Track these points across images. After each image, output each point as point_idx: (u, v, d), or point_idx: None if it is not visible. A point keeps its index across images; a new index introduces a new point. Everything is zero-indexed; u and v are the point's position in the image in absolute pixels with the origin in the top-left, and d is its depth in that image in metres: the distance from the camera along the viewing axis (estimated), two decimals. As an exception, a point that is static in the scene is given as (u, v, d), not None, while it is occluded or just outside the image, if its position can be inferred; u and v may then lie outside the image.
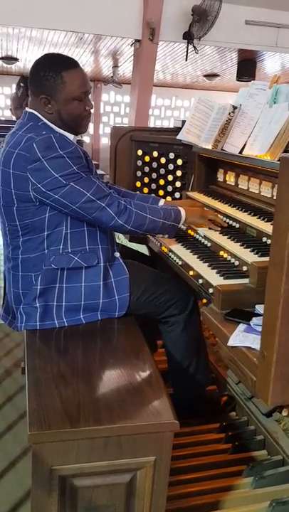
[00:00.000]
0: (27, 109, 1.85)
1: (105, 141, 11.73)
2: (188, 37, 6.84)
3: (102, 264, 1.85)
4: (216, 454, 1.93)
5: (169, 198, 2.64)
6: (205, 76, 10.32)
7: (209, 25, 6.65)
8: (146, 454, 1.32)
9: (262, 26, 7.25)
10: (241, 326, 1.46)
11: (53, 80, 1.77)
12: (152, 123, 11.75)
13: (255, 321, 1.44)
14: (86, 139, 11.32)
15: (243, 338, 1.39)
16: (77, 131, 1.88)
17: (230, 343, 1.39)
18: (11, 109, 3.98)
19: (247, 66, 8.73)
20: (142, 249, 2.57)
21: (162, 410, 1.36)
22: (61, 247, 1.81)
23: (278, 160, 1.94)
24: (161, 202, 2.23)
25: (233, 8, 6.78)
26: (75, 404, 1.36)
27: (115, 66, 9.33)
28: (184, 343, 1.97)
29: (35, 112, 1.82)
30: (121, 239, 2.05)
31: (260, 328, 1.31)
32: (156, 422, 1.32)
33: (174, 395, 1.94)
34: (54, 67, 1.77)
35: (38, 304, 1.82)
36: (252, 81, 2.43)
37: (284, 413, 1.87)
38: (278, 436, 1.91)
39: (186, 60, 7.25)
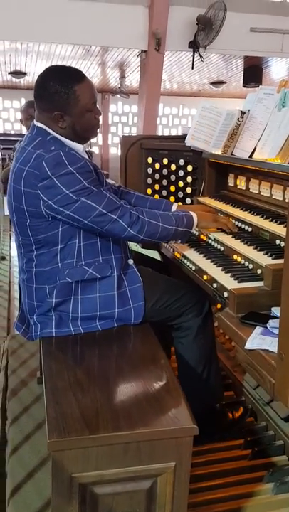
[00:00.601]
0: (35, 122, 1.84)
1: (114, 151, 11.82)
2: (194, 46, 6.89)
3: (115, 274, 1.85)
4: (236, 460, 1.92)
5: (180, 204, 2.64)
6: (211, 84, 10.37)
7: (214, 34, 6.69)
8: (166, 460, 1.31)
9: (267, 33, 7.28)
10: (258, 329, 1.45)
11: (66, 96, 1.76)
12: (160, 132, 11.82)
13: (271, 323, 1.43)
14: (95, 149, 11.41)
15: (260, 340, 1.38)
16: (88, 138, 1.92)
17: (248, 346, 1.38)
18: (21, 120, 4.05)
19: (253, 72, 8.76)
20: (154, 255, 2.57)
21: (180, 415, 1.35)
22: (75, 260, 1.81)
23: (289, 162, 1.94)
24: (174, 206, 2.23)
25: (238, 15, 6.82)
26: (93, 411, 1.36)
27: (122, 77, 9.42)
28: (197, 349, 1.95)
29: (44, 126, 1.81)
30: (132, 245, 2.05)
31: (277, 331, 1.30)
32: (175, 427, 1.31)
33: None
34: (65, 83, 1.77)
35: (53, 314, 1.83)
36: (260, 86, 2.44)
37: (303, 417, 1.85)
38: (298, 441, 1.89)
39: (193, 69, 7.30)
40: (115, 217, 1.75)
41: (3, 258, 5.65)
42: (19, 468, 1.99)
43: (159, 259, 2.58)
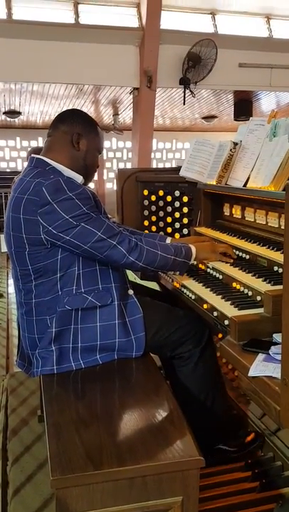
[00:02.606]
0: (33, 155, 1.90)
1: (109, 186, 11.98)
2: (184, 82, 7.08)
3: (116, 302, 1.85)
4: (244, 493, 1.86)
5: (177, 235, 2.66)
6: (203, 118, 10.60)
7: (207, 72, 6.91)
8: (173, 494, 1.28)
9: (255, 68, 7.51)
10: (260, 356, 1.44)
11: (90, 126, 1.95)
12: (155, 166, 12.00)
13: (274, 349, 1.42)
14: (90, 184, 11.53)
15: (263, 367, 1.37)
16: (86, 177, 1.96)
17: (251, 373, 1.37)
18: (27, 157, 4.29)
19: (243, 106, 8.98)
20: (153, 286, 2.56)
21: (186, 447, 1.32)
22: (74, 287, 1.81)
23: (283, 189, 1.97)
24: (168, 240, 2.25)
25: (227, 52, 7.04)
26: (96, 447, 1.34)
27: (116, 114, 9.62)
28: (197, 377, 1.93)
29: (43, 158, 1.87)
30: (130, 277, 2.05)
31: (279, 357, 1.29)
32: (180, 459, 1.28)
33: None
34: (91, 120, 1.99)
35: (53, 348, 1.81)
36: (251, 118, 2.50)
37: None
38: (307, 471, 1.84)
39: (184, 104, 7.48)
40: (114, 243, 1.77)
41: (1, 295, 5.63)
42: (22, 511, 1.93)
43: (158, 289, 2.58)
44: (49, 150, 1.91)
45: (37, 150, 4.23)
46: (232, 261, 2.08)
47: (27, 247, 1.78)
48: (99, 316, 1.83)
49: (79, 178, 1.89)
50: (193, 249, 2.02)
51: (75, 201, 1.73)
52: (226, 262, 2.07)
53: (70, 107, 8.95)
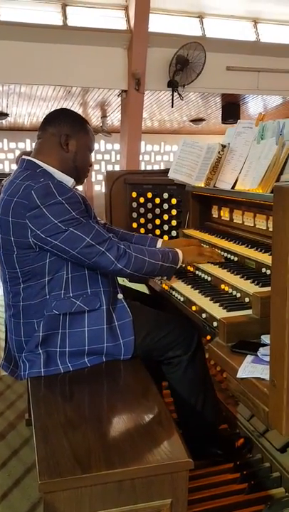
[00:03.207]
0: (24, 157, 1.88)
1: (98, 188, 11.94)
2: (173, 85, 7.09)
3: (104, 307, 1.84)
4: (233, 494, 1.86)
5: (166, 237, 2.66)
6: (191, 121, 10.62)
7: (196, 75, 6.94)
8: (161, 497, 1.27)
9: (242, 71, 7.55)
10: (249, 358, 1.44)
11: (78, 125, 1.91)
12: (143, 168, 11.99)
13: (262, 351, 1.42)
14: (79, 187, 11.48)
15: (251, 369, 1.37)
16: (79, 178, 1.94)
17: (240, 374, 1.37)
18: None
19: (231, 109, 9.01)
20: (142, 289, 2.56)
21: (175, 449, 1.32)
22: (62, 291, 1.80)
23: (270, 192, 1.98)
24: (159, 242, 2.25)
25: (215, 55, 7.06)
26: (85, 450, 1.33)
27: (104, 116, 9.60)
28: (188, 382, 1.93)
29: (34, 160, 1.85)
30: (119, 280, 2.05)
31: (267, 358, 1.29)
32: (169, 461, 1.28)
33: (184, 437, 1.89)
34: (79, 119, 1.95)
35: (40, 351, 1.79)
36: (238, 120, 2.51)
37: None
38: (295, 472, 1.85)
39: (172, 107, 7.49)
40: (103, 250, 1.76)
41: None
42: (9, 516, 1.92)
43: (147, 292, 2.58)
44: (39, 152, 1.89)
45: (27, 153, 4.21)
46: (222, 259, 2.09)
47: (15, 249, 1.77)
48: (87, 321, 1.81)
49: (69, 182, 1.86)
50: (180, 253, 2.02)
51: (65, 206, 1.71)
52: (214, 264, 2.08)
53: (58, 109, 8.90)
